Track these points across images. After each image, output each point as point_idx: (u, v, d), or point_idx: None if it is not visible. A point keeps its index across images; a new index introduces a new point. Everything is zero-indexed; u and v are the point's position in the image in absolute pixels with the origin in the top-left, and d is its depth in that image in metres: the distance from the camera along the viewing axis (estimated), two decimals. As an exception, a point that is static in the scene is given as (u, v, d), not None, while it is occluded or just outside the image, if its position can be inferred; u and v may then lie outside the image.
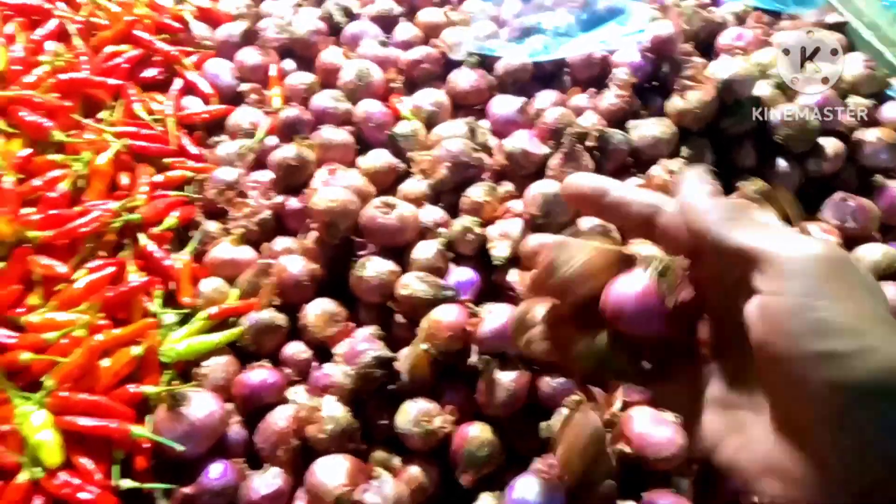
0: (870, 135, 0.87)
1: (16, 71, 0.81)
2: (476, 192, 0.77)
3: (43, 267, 0.68)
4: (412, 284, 0.70)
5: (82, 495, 0.57)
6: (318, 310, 0.72)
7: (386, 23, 1.03)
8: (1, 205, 0.69)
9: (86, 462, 0.59)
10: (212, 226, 0.81)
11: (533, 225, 0.75)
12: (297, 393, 0.70)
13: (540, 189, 0.75)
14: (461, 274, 0.73)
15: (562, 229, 0.76)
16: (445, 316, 0.67)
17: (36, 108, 0.78)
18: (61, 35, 0.90)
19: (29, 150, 0.76)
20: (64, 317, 0.65)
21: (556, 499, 0.59)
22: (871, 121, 0.92)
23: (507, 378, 0.65)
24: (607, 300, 0.31)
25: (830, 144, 0.86)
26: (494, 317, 0.66)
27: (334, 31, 1.02)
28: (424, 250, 0.74)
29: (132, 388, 0.63)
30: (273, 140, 0.89)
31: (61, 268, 0.69)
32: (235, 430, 0.66)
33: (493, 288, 0.74)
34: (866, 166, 0.87)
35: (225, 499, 0.61)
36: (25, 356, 0.61)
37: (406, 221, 0.74)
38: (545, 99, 0.88)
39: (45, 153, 0.78)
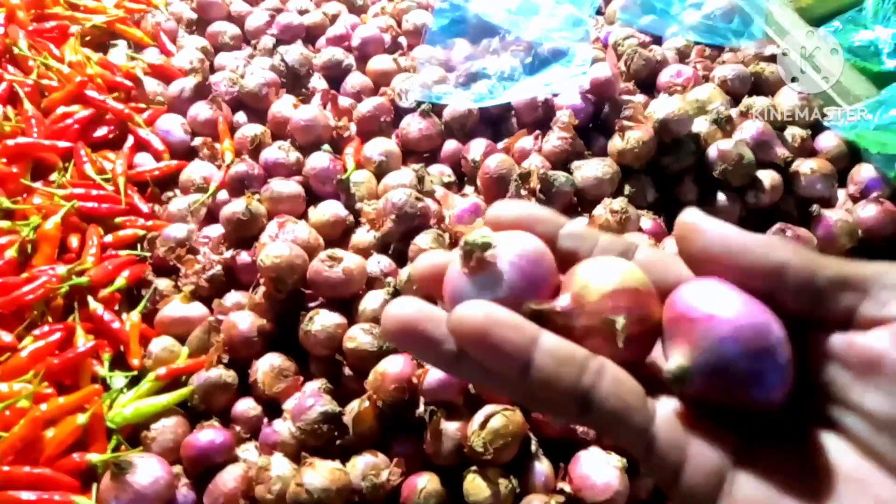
0: (805, 167, 0.90)
1: (-37, 138, 0.82)
2: (423, 240, 0.79)
3: (-13, 337, 0.68)
4: (358, 337, 0.71)
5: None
6: (266, 366, 0.73)
7: (336, 72, 1.05)
8: (-55, 276, 0.69)
9: (28, 538, 0.58)
10: (163, 284, 0.82)
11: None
12: (248, 451, 0.70)
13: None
14: (407, 324, 0.74)
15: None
16: (391, 367, 0.68)
17: (-18, 176, 0.78)
18: (11, 98, 0.91)
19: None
20: (7, 388, 0.65)
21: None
22: (808, 150, 0.95)
23: (453, 427, 0.66)
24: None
25: (768, 177, 0.89)
26: (438, 367, 0.67)
27: (293, 75, 1.04)
28: (371, 301, 0.75)
29: (77, 457, 0.63)
30: (225, 194, 0.90)
31: (6, 337, 0.69)
32: (184, 493, 0.66)
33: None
34: (803, 196, 0.89)
35: (172, 567, 0.61)
36: (-34, 431, 0.61)
37: (352, 274, 0.75)
38: (477, 148, 0.90)
39: (-8, 220, 0.78)
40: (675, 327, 0.24)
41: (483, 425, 0.63)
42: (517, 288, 0.24)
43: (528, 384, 0.22)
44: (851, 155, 0.95)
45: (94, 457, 0.63)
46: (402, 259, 0.81)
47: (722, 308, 0.23)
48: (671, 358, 0.23)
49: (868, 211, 0.86)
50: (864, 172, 0.90)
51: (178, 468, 0.68)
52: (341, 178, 0.87)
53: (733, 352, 0.22)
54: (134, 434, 0.69)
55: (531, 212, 0.27)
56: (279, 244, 0.76)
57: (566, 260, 0.27)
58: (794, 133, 0.95)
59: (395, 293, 0.76)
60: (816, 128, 0.97)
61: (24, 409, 0.64)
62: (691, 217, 0.25)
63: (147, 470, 0.63)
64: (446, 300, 0.26)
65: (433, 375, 0.67)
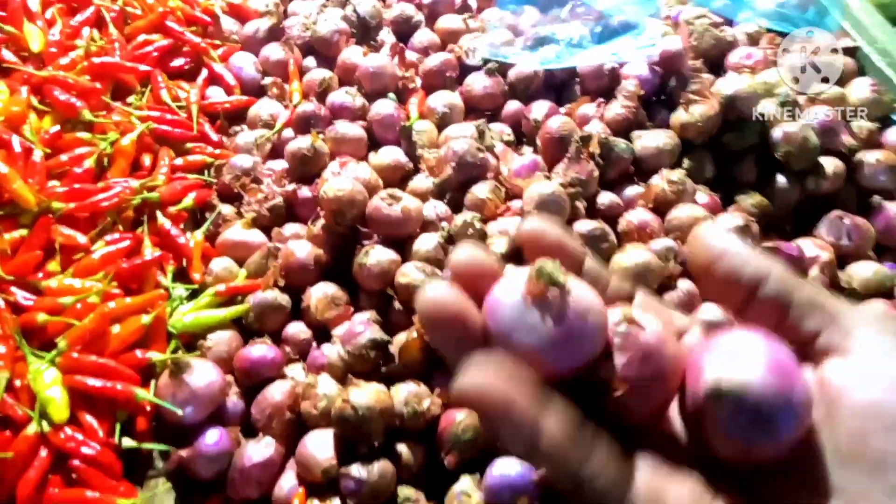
0: (870, 156, 0.89)
1: (52, 53, 0.86)
2: (480, 190, 0.80)
3: (64, 236, 0.72)
4: (411, 273, 0.73)
5: (85, 450, 0.60)
6: (320, 293, 0.75)
7: (405, 28, 1.07)
8: (28, 176, 0.73)
9: (90, 420, 0.62)
10: (226, 209, 0.85)
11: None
12: (296, 370, 0.73)
13: (538, 189, 0.78)
14: (459, 267, 0.75)
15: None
16: (441, 305, 0.70)
17: (68, 89, 0.82)
18: (97, 23, 0.95)
19: (58, 128, 0.80)
20: (80, 284, 0.69)
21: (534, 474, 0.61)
22: (875, 144, 0.93)
23: (495, 367, 0.67)
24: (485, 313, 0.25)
25: (831, 164, 0.88)
26: (487, 308, 0.69)
27: (363, 27, 1.06)
28: (425, 242, 0.77)
29: (139, 353, 0.66)
30: (290, 132, 0.93)
31: (81, 238, 0.73)
32: (234, 400, 0.69)
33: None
34: (865, 187, 0.88)
35: (219, 464, 0.64)
36: (42, 317, 0.65)
37: (409, 214, 0.77)
38: (540, 109, 0.91)
39: (73, 132, 0.82)
40: (716, 361, 0.24)
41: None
42: (565, 339, 0.24)
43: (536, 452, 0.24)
44: (919, 152, 0.93)
45: (154, 355, 0.67)
46: (458, 207, 0.82)
47: (764, 352, 0.24)
48: (717, 373, 0.24)
49: (931, 206, 0.85)
50: (931, 169, 0.89)
51: (229, 377, 0.71)
52: (404, 124, 0.89)
53: (770, 391, 0.23)
54: (190, 344, 0.72)
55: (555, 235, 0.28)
56: (342, 178, 0.78)
57: None
58: (861, 125, 0.94)
59: (449, 238, 0.77)
60: (886, 123, 0.96)
61: (94, 304, 0.67)
62: (702, 227, 0.28)
63: (203, 373, 0.66)
64: (493, 311, 0.25)
65: (481, 315, 0.69)
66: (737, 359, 0.24)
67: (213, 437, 0.64)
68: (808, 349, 0.25)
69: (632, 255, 0.75)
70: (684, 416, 0.26)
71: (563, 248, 0.27)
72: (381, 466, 0.63)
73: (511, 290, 0.25)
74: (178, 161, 0.86)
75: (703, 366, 0.24)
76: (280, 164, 0.89)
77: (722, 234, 0.27)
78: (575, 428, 0.24)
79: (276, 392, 0.68)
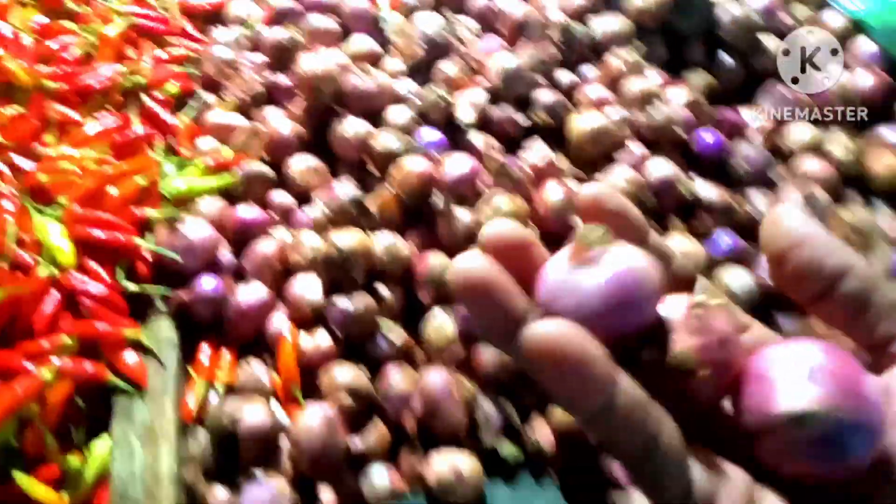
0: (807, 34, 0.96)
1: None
2: (448, 66, 0.86)
3: (58, 113, 0.76)
4: (386, 141, 0.79)
5: (93, 290, 0.66)
6: (301, 164, 0.81)
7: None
8: (19, 58, 0.77)
9: (95, 266, 0.68)
10: (209, 98, 0.90)
11: (494, 95, 0.84)
12: (281, 232, 0.79)
13: (500, 63, 0.84)
14: (430, 134, 0.81)
15: (518, 100, 0.85)
16: (414, 166, 0.76)
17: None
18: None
19: (44, 19, 0.84)
20: (76, 154, 0.74)
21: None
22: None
23: (464, 214, 0.74)
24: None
25: (773, 43, 0.95)
26: (456, 164, 0.76)
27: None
28: (397, 115, 0.82)
29: (136, 210, 0.72)
30: (266, 30, 0.97)
31: (74, 115, 0.77)
32: (226, 255, 0.75)
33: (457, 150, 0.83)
34: (803, 61, 0.95)
35: (215, 306, 0.70)
36: (44, 177, 0.70)
37: (384, 88, 0.82)
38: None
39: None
40: (790, 381, 0.23)
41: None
42: (609, 299, 0.23)
43: (603, 416, 0.22)
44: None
45: (151, 212, 0.72)
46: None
47: (841, 371, 0.23)
48: (791, 398, 0.23)
49: (862, 78, 0.93)
50: (863, 46, 0.96)
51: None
52: (376, 14, 0.94)
53: (848, 414, 0.22)
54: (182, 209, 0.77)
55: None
56: (318, 57, 0.83)
57: None
58: (802, 9, 1.01)
59: (420, 114, 0.83)
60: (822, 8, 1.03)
61: (90, 170, 0.72)
62: (779, 209, 0.26)
63: (197, 228, 0.72)
64: (540, 283, 0.24)
65: (450, 170, 0.75)
66: (812, 380, 0.23)
67: (209, 283, 0.70)
68: (877, 353, 0.24)
69: (589, 119, 0.82)
70: (739, 425, 0.25)
71: (626, 218, 0.26)
72: (365, 300, 0.70)
73: (558, 260, 0.25)
74: (161, 54, 0.90)
75: (776, 381, 0.23)
76: (259, 58, 0.93)
77: (805, 220, 0.25)
78: (644, 392, 0.22)
79: (265, 246, 0.74)
